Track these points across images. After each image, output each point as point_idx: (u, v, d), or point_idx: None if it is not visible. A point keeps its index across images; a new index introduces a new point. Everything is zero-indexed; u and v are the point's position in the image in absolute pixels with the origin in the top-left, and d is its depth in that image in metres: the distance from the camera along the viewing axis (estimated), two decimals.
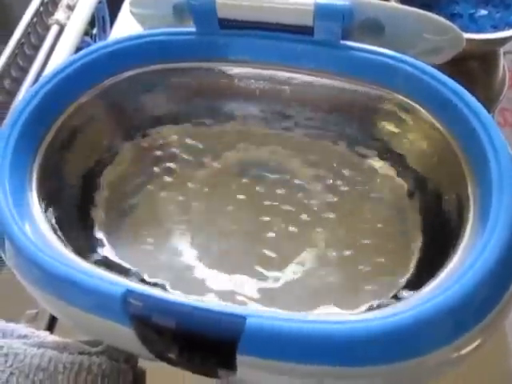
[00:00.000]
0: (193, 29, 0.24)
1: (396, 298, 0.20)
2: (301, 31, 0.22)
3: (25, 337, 0.23)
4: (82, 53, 0.23)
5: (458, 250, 0.18)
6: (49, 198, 0.21)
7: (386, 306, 0.18)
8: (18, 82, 0.40)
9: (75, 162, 0.24)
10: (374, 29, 0.22)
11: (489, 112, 0.20)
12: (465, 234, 0.18)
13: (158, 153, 0.26)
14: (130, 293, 0.16)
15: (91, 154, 0.24)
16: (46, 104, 0.22)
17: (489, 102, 0.35)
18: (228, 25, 0.23)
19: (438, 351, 0.16)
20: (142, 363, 0.23)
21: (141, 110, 0.25)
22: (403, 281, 0.21)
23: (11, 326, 0.23)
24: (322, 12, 0.21)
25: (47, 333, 0.24)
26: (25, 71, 0.41)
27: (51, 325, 0.28)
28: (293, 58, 0.23)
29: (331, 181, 0.25)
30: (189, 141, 0.26)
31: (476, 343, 0.16)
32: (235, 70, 0.24)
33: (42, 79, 0.22)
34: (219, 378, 0.17)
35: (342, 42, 0.22)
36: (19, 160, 0.21)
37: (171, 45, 0.24)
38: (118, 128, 0.25)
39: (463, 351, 0.16)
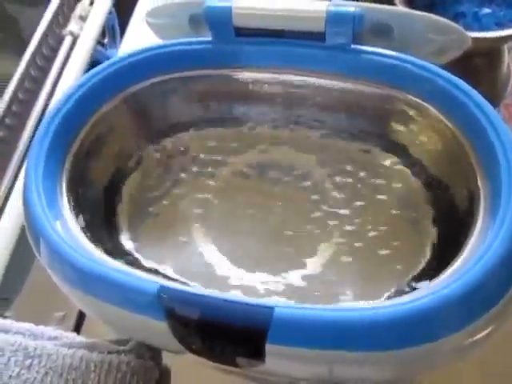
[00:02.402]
0: (209, 38, 0.25)
1: (411, 286, 0.21)
2: (313, 37, 0.23)
3: (55, 338, 0.24)
4: (104, 64, 0.24)
5: (470, 240, 0.19)
6: (78, 203, 0.22)
7: (403, 294, 0.19)
8: (32, 93, 0.41)
9: (101, 167, 0.25)
10: (383, 32, 0.23)
11: (494, 107, 0.21)
12: (476, 224, 0.19)
13: (179, 157, 0.27)
14: (163, 288, 0.17)
15: (116, 160, 0.25)
16: (73, 114, 0.23)
17: (494, 98, 0.36)
18: (243, 33, 0.24)
19: (451, 337, 0.16)
20: (167, 360, 0.24)
21: (162, 116, 0.26)
22: (418, 270, 0.22)
23: (41, 328, 0.24)
24: (333, 18, 0.22)
25: (75, 334, 0.25)
26: (38, 82, 0.42)
27: (78, 326, 0.29)
28: (306, 63, 0.24)
29: (344, 179, 0.26)
30: (208, 145, 0.27)
31: (488, 330, 0.17)
32: (251, 76, 0.25)
33: (67, 91, 0.23)
34: (248, 368, 0.18)
35: (353, 45, 0.23)
36: (51, 166, 0.22)
37: (190, 54, 0.25)
38: (141, 135, 0.26)
39: (475, 337, 0.17)
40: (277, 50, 0.24)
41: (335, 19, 0.22)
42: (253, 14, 0.23)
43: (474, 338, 0.17)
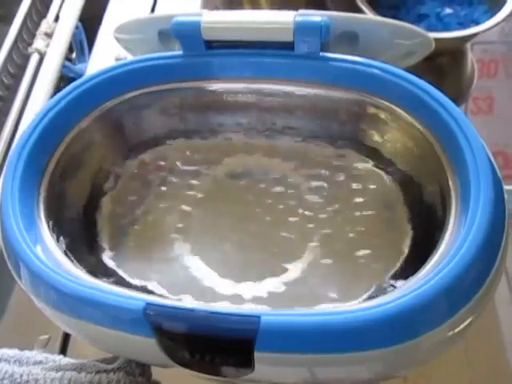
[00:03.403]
0: (180, 52, 0.25)
1: (391, 284, 0.22)
2: (282, 47, 0.23)
3: (41, 362, 0.24)
4: (76, 83, 0.24)
5: (445, 236, 0.19)
6: (57, 224, 0.22)
7: (383, 292, 0.20)
8: (1, 113, 0.40)
9: (79, 187, 0.25)
10: (350, 39, 0.24)
11: (461, 102, 0.21)
12: (449, 221, 0.20)
13: (157, 170, 0.27)
14: (149, 305, 0.17)
15: (93, 179, 0.25)
16: (46, 135, 0.23)
17: (460, 94, 0.37)
18: (213, 45, 0.24)
19: (432, 332, 0.17)
20: (156, 374, 0.24)
21: (138, 131, 0.27)
22: (396, 268, 0.23)
23: (26, 353, 0.24)
24: (301, 28, 0.22)
25: (61, 356, 0.24)
26: (7, 101, 0.41)
27: (64, 348, 0.29)
28: (277, 72, 0.24)
29: (320, 183, 0.26)
30: (185, 156, 0.27)
31: (468, 321, 0.18)
32: (224, 87, 0.26)
33: (39, 112, 0.23)
34: (239, 377, 0.18)
35: (322, 53, 0.23)
36: (26, 190, 0.22)
37: (162, 68, 0.25)
38: (118, 151, 0.26)
39: (457, 329, 0.18)
40: (247, 60, 0.24)
41: (303, 29, 0.23)
42: (222, 28, 0.23)
43: (455, 331, 0.18)
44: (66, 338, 0.29)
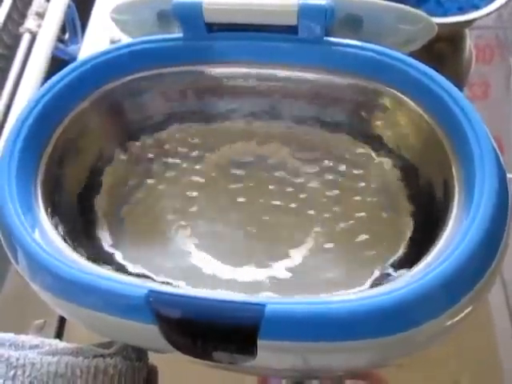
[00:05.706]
0: (180, 34, 0.24)
1: (394, 271, 0.22)
2: (286, 30, 0.23)
3: (36, 346, 0.23)
4: (74, 64, 0.23)
5: (448, 226, 0.19)
6: (56, 210, 0.22)
7: (386, 279, 0.20)
8: None
9: (77, 172, 0.24)
10: (353, 24, 0.23)
11: (460, 88, 0.21)
12: (452, 210, 0.19)
13: (154, 155, 0.27)
14: (151, 292, 0.17)
15: (92, 164, 0.25)
16: (44, 119, 0.22)
17: (458, 79, 0.37)
18: (215, 28, 0.24)
19: (432, 322, 0.17)
20: (153, 360, 0.24)
21: (138, 115, 0.26)
22: (399, 255, 0.23)
23: (22, 337, 0.24)
24: (305, 11, 0.22)
25: (57, 340, 0.24)
26: None
27: (59, 332, 0.29)
28: (280, 56, 0.24)
29: (322, 169, 0.26)
30: (185, 141, 0.27)
31: (467, 311, 0.18)
32: (225, 71, 0.25)
33: (36, 94, 0.23)
34: (240, 364, 0.18)
35: (326, 38, 0.23)
36: (24, 175, 0.21)
37: (162, 51, 0.24)
38: (117, 135, 0.26)
39: (455, 319, 0.18)
40: (250, 44, 0.24)
41: (307, 12, 0.22)
42: (225, 10, 0.23)
43: (454, 320, 0.18)
44: (62, 322, 0.29)
